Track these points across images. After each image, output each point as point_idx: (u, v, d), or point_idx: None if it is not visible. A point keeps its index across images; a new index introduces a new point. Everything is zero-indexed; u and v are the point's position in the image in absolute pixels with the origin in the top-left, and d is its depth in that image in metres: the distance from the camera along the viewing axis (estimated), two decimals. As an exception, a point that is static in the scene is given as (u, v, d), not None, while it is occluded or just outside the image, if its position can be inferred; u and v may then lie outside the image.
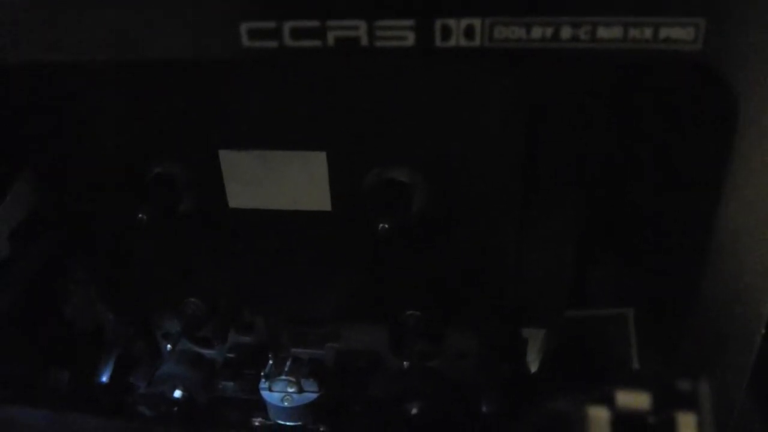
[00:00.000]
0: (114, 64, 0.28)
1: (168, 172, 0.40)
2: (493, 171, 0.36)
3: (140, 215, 0.38)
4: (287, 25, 0.25)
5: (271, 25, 0.25)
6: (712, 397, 0.25)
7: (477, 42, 0.24)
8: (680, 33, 0.24)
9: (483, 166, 0.36)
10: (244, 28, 0.26)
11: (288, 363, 0.48)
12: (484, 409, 0.44)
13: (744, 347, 0.32)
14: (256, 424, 0.48)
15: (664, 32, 0.24)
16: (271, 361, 0.48)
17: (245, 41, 0.26)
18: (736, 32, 0.24)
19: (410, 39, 0.24)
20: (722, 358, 0.32)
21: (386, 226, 0.36)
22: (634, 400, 0.20)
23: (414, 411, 0.45)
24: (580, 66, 0.29)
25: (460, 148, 0.36)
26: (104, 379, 0.51)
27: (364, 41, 0.24)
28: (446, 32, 0.24)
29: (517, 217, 0.38)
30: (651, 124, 0.31)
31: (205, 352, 0.51)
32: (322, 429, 0.46)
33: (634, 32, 0.24)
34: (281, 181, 0.40)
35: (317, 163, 0.39)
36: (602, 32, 0.24)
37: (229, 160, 0.40)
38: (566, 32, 0.24)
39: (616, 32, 0.24)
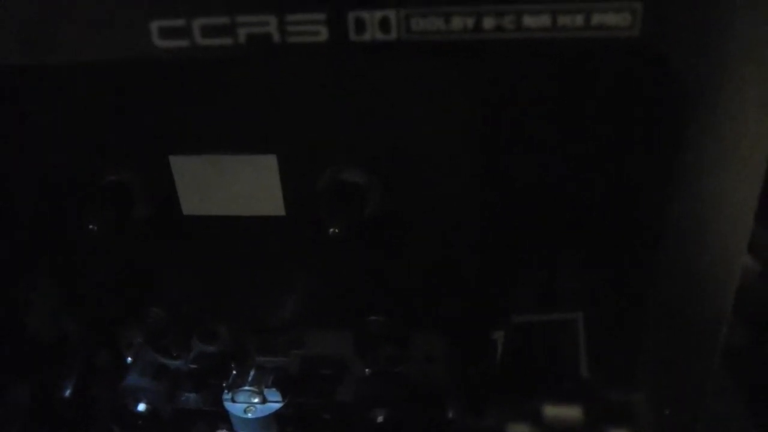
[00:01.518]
0: (25, 68, 0.26)
1: (118, 180, 0.39)
2: (448, 170, 0.35)
3: (90, 226, 0.36)
4: (197, 23, 0.23)
5: (180, 22, 0.23)
6: (673, 403, 0.24)
7: (394, 35, 0.22)
8: (615, 19, 0.22)
9: (438, 165, 0.35)
10: (154, 26, 0.24)
11: (251, 373, 0.46)
12: (451, 414, 0.43)
13: (706, 347, 0.30)
14: (221, 436, 0.47)
15: (596, 18, 0.22)
16: (234, 372, 0.47)
17: (156, 40, 0.24)
18: (675, 15, 0.23)
19: (323, 33, 0.22)
20: (683, 360, 0.30)
21: (336, 230, 0.35)
22: (565, 413, 0.18)
23: (380, 419, 0.43)
24: (525, 59, 0.27)
25: (414, 148, 0.35)
26: (66, 393, 0.49)
27: (276, 37, 0.23)
28: (360, 25, 0.22)
29: (476, 216, 0.37)
30: (599, 115, 0.29)
31: (169, 362, 0.49)
32: (286, 439, 0.45)
33: (563, 20, 0.22)
34: (233, 186, 0.39)
35: (268, 166, 0.38)
36: (528, 21, 0.22)
37: (180, 165, 0.38)
38: (489, 22, 0.22)
39: (543, 20, 0.22)
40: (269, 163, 0.38)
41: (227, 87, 0.35)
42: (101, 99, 0.37)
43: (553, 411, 0.19)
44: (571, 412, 0.19)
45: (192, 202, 0.40)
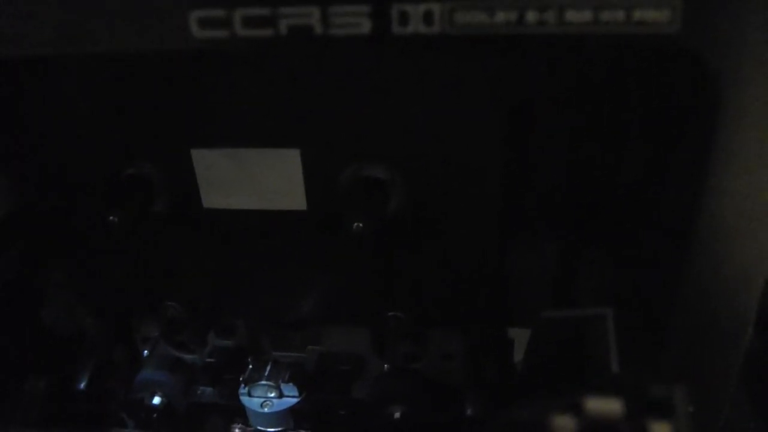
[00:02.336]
0: (63, 59, 0.26)
1: (139, 173, 0.39)
2: (472, 169, 0.35)
3: (111, 218, 0.36)
4: (238, 13, 0.23)
5: (220, 13, 0.24)
6: (696, 403, 0.24)
7: (437, 28, 0.22)
8: (655, 15, 0.23)
9: (462, 163, 0.35)
10: (193, 17, 0.24)
11: (268, 367, 0.46)
12: (468, 411, 0.43)
13: (730, 348, 0.30)
14: (236, 430, 0.47)
15: (638, 14, 0.23)
16: (250, 366, 0.47)
17: (196, 31, 0.24)
18: (714, 12, 0.23)
19: (366, 26, 0.22)
20: (708, 360, 0.30)
21: (360, 225, 0.35)
22: (605, 407, 0.18)
23: (397, 415, 0.43)
24: (559, 59, 0.27)
25: (439, 146, 0.35)
26: (82, 386, 0.49)
27: (318, 29, 0.23)
28: (404, 18, 0.22)
29: (499, 215, 0.37)
30: (631, 115, 0.29)
31: (185, 356, 0.49)
32: (303, 434, 0.45)
33: (605, 15, 0.22)
34: (255, 180, 0.38)
35: (291, 160, 0.38)
36: (571, 15, 0.22)
37: (202, 159, 0.38)
38: (532, 16, 0.22)
39: (585, 15, 0.22)
40: (292, 157, 0.38)
41: (254, 80, 0.34)
42: (126, 92, 0.37)
43: (594, 404, 0.19)
44: (612, 405, 0.19)
45: (213, 196, 0.40)
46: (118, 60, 0.31)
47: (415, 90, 0.32)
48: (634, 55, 0.26)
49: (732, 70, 0.24)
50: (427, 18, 0.22)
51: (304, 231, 0.40)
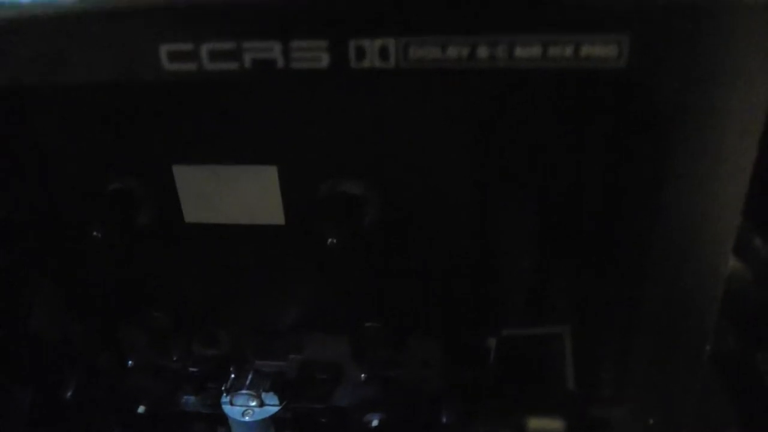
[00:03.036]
0: (38, 87, 0.27)
1: (123, 189, 0.40)
2: (442, 184, 0.36)
3: (95, 233, 0.37)
4: (205, 47, 0.25)
5: (189, 47, 0.25)
6: (657, 414, 0.25)
7: (392, 63, 0.23)
8: (603, 50, 0.24)
9: (433, 179, 0.36)
10: (163, 50, 0.25)
11: (249, 376, 0.47)
12: (444, 419, 0.44)
13: (690, 360, 0.31)
14: (219, 438, 0.48)
15: (585, 50, 0.24)
16: (232, 375, 0.48)
17: (166, 63, 0.25)
18: (660, 47, 0.24)
19: (325, 60, 0.24)
20: (668, 371, 0.31)
21: (334, 241, 0.36)
22: (547, 426, 0.19)
23: (374, 423, 0.44)
24: (518, 86, 0.28)
25: (410, 163, 0.36)
26: (68, 394, 0.50)
27: (280, 63, 0.24)
28: (360, 53, 0.23)
29: (469, 226, 0.38)
30: (588, 139, 0.30)
31: (169, 365, 0.50)
32: (284, 442, 0.46)
33: (553, 50, 0.24)
34: (234, 195, 0.40)
35: (268, 177, 0.39)
36: (520, 51, 0.23)
37: (183, 175, 0.39)
38: (483, 51, 0.23)
39: (534, 51, 0.23)
40: (270, 173, 0.39)
41: (230, 105, 0.36)
42: (110, 114, 0.38)
43: (536, 423, 0.20)
44: (553, 425, 0.20)
45: (194, 211, 0.41)
46: (103, 86, 0.32)
47: (382, 114, 0.33)
48: (584, 87, 0.27)
49: (679, 100, 0.25)
50: (383, 53, 0.23)
51: (282, 245, 0.41)
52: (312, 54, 0.24)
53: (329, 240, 0.35)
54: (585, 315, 0.32)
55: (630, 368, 0.31)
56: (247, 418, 0.47)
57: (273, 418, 0.48)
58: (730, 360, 0.57)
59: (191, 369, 0.50)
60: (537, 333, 0.28)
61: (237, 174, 0.39)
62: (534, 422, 0.20)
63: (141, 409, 0.49)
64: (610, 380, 0.31)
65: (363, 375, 0.45)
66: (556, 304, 0.35)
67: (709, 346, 0.32)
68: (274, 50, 0.24)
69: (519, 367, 0.28)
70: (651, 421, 0.28)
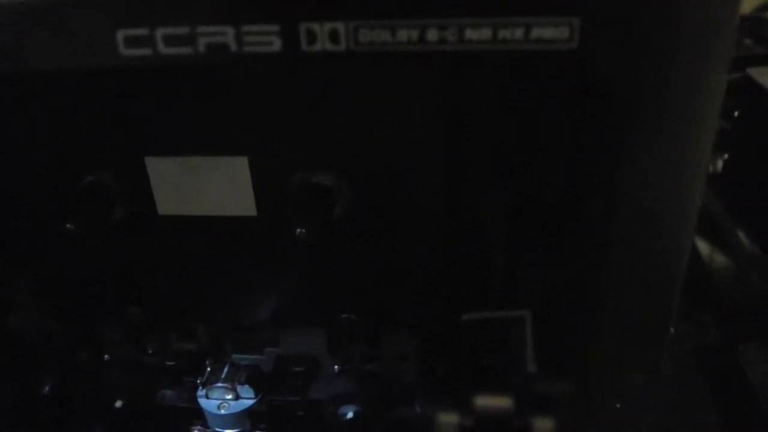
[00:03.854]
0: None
1: (95, 181, 0.40)
2: (409, 173, 0.36)
3: (69, 225, 0.37)
4: (160, 32, 0.25)
5: (144, 32, 0.25)
6: (622, 399, 0.25)
7: (343, 46, 0.23)
8: (554, 32, 0.24)
9: (400, 168, 0.36)
10: (120, 35, 0.25)
11: (225, 370, 0.47)
12: (417, 409, 0.44)
13: (653, 346, 0.31)
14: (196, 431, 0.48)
15: (536, 32, 0.24)
16: (208, 369, 0.48)
17: (122, 49, 0.26)
18: (612, 30, 0.24)
19: (277, 44, 0.24)
20: (631, 355, 0.32)
21: (303, 231, 0.36)
22: (495, 404, 0.19)
23: (349, 415, 0.44)
24: (469, 70, 0.29)
25: (381, 152, 0.36)
26: (46, 390, 0.50)
27: (233, 47, 0.24)
28: (311, 36, 0.24)
29: (443, 216, 0.38)
30: (541, 123, 0.30)
31: (147, 360, 0.50)
32: (259, 435, 0.46)
33: (504, 33, 0.24)
34: (206, 186, 0.40)
35: (239, 168, 0.39)
36: (470, 34, 0.24)
37: (156, 167, 0.40)
38: (432, 34, 0.23)
39: (484, 33, 0.24)
40: (240, 164, 0.39)
41: (198, 92, 0.36)
42: (78, 103, 0.38)
43: (484, 401, 0.20)
44: (501, 402, 0.21)
45: (168, 203, 0.41)
46: (66, 76, 0.32)
47: (343, 103, 0.33)
48: (535, 70, 0.27)
49: (631, 84, 0.25)
50: (333, 36, 0.23)
51: (255, 236, 0.41)
52: (264, 38, 0.24)
53: (298, 230, 0.35)
54: (547, 299, 0.32)
55: (592, 352, 0.31)
56: (222, 411, 0.47)
57: (248, 412, 0.48)
58: (712, 353, 0.57)
59: (168, 363, 0.50)
60: (498, 316, 0.28)
61: (208, 165, 0.39)
62: (481, 400, 0.20)
63: (118, 403, 0.49)
64: (572, 364, 0.31)
65: (336, 367, 0.45)
66: (520, 290, 0.35)
67: (672, 329, 0.32)
68: (226, 34, 0.24)
69: (479, 350, 0.28)
70: (618, 405, 0.28)
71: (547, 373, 0.26)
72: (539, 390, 0.21)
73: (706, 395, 0.54)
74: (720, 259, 0.70)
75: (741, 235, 0.66)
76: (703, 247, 0.70)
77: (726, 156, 0.73)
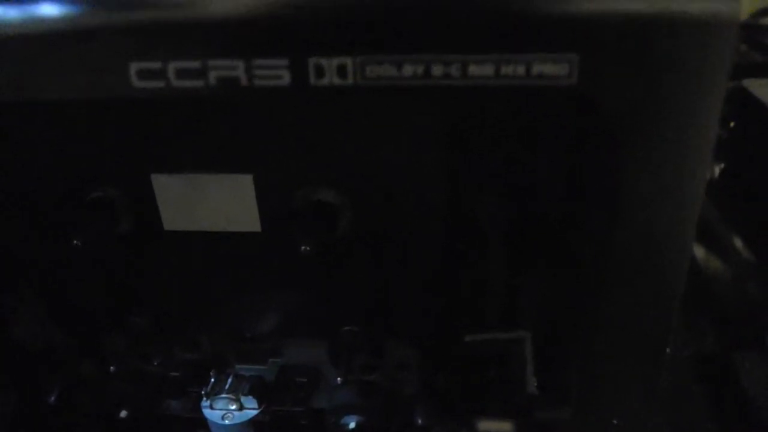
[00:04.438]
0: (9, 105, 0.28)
1: (102, 198, 0.41)
2: (410, 194, 0.37)
3: (75, 241, 0.38)
4: (172, 66, 0.25)
5: (157, 65, 0.26)
6: (620, 416, 0.26)
7: (350, 80, 0.24)
8: (554, 69, 0.25)
9: (402, 189, 0.37)
10: (133, 68, 0.26)
11: (229, 380, 0.48)
12: (419, 421, 0.45)
13: (651, 363, 0.32)
14: (199, 440, 0.49)
15: (536, 68, 0.25)
16: (212, 379, 0.48)
17: (135, 81, 0.26)
18: (610, 65, 0.25)
19: (286, 78, 0.24)
20: (630, 376, 0.32)
21: (308, 248, 0.37)
22: (497, 428, 0.20)
23: (351, 425, 0.45)
24: (472, 104, 0.29)
25: (383, 169, 0.37)
26: (51, 400, 0.51)
27: (244, 81, 0.25)
28: (319, 71, 0.24)
29: (444, 233, 0.39)
30: (543, 154, 0.31)
31: (151, 370, 0.51)
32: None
33: (506, 69, 0.25)
34: (212, 203, 0.41)
35: (244, 185, 0.39)
36: (473, 69, 0.24)
37: (161, 183, 0.40)
38: (437, 70, 0.24)
39: (487, 69, 0.24)
40: (245, 182, 0.40)
41: (205, 118, 0.37)
42: (89, 126, 0.38)
43: (486, 426, 0.21)
44: (502, 427, 0.21)
45: (173, 219, 0.42)
46: (79, 104, 0.33)
47: (348, 129, 0.34)
48: (537, 105, 0.28)
49: (628, 118, 0.26)
50: (341, 71, 0.24)
51: (259, 252, 0.42)
52: (274, 72, 0.25)
53: (303, 248, 0.36)
54: (547, 319, 0.33)
55: (592, 370, 0.32)
56: (227, 421, 0.48)
57: (252, 422, 0.48)
58: (709, 360, 0.58)
59: (172, 374, 0.50)
60: (500, 337, 0.29)
61: (214, 183, 0.40)
62: (484, 424, 0.21)
63: (123, 413, 0.50)
64: (572, 382, 0.32)
65: (339, 378, 0.45)
66: (519, 309, 0.36)
67: (669, 348, 0.33)
68: (237, 69, 0.25)
69: (480, 371, 0.29)
70: (615, 422, 0.29)
71: (547, 395, 0.26)
72: (539, 414, 0.22)
73: (703, 402, 0.55)
74: (716, 266, 0.70)
75: (737, 242, 0.66)
76: (699, 254, 0.71)
77: (722, 165, 0.73)
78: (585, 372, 0.32)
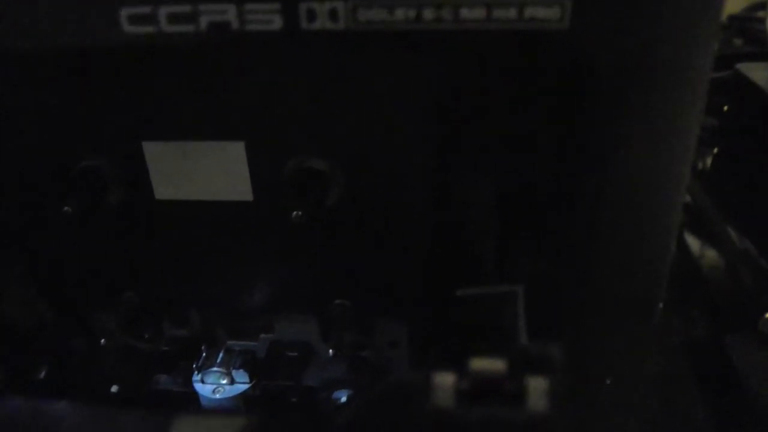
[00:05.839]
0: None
1: (92, 165, 0.40)
2: (405, 157, 0.37)
3: (66, 208, 0.38)
4: (163, 10, 0.25)
5: (147, 9, 0.25)
6: (612, 376, 0.26)
7: (342, 24, 0.24)
8: (546, 12, 0.25)
9: (396, 153, 0.37)
10: (124, 13, 0.26)
11: (220, 355, 0.48)
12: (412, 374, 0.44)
13: (642, 322, 0.32)
14: (190, 415, 0.48)
15: (528, 11, 0.25)
16: (204, 354, 0.48)
17: (126, 27, 0.26)
18: (603, 10, 0.25)
19: (277, 22, 0.24)
20: (621, 335, 0.32)
21: (299, 213, 0.37)
22: (489, 366, 0.20)
23: (342, 400, 0.45)
24: (464, 49, 0.29)
25: (376, 137, 0.37)
26: (41, 375, 0.51)
27: (235, 25, 0.25)
28: (311, 15, 0.24)
29: (435, 202, 0.39)
30: (532, 103, 0.31)
31: (141, 345, 0.51)
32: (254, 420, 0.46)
33: (498, 12, 0.24)
34: (203, 171, 0.40)
35: (236, 153, 0.39)
36: (465, 13, 0.24)
37: (152, 151, 0.40)
38: (429, 13, 0.24)
39: (479, 13, 0.24)
40: (237, 149, 0.40)
41: (196, 77, 0.36)
42: (79, 90, 0.38)
43: (479, 363, 0.21)
44: (495, 365, 0.21)
45: (164, 187, 0.42)
46: (66, 55, 0.32)
47: (341, 85, 0.34)
48: (528, 49, 0.28)
49: (620, 64, 0.26)
50: (333, 15, 0.24)
51: (251, 221, 0.42)
52: (265, 16, 0.25)
53: (294, 213, 0.36)
54: (538, 278, 0.33)
55: (582, 329, 0.32)
56: (217, 395, 0.48)
57: (243, 396, 0.48)
58: (701, 346, 0.58)
59: (163, 348, 0.50)
60: (491, 292, 0.29)
61: (205, 150, 0.39)
62: (476, 363, 0.21)
63: (113, 389, 0.50)
64: (564, 337, 0.31)
65: (330, 351, 0.45)
66: (511, 274, 0.36)
67: (661, 304, 0.33)
68: (228, 12, 0.25)
69: (474, 326, 0.29)
70: (608, 381, 0.29)
71: (538, 341, 0.26)
72: (532, 353, 0.22)
73: (695, 387, 0.55)
74: (709, 253, 0.70)
75: (730, 229, 0.66)
76: (692, 241, 0.71)
77: (715, 151, 0.74)
78: (577, 326, 0.32)
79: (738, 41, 0.95)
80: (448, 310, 0.39)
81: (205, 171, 0.41)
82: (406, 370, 0.22)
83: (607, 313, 0.31)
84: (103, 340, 0.50)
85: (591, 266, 0.31)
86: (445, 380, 0.20)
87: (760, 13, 0.93)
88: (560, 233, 0.34)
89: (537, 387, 0.20)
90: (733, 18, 0.94)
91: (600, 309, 0.31)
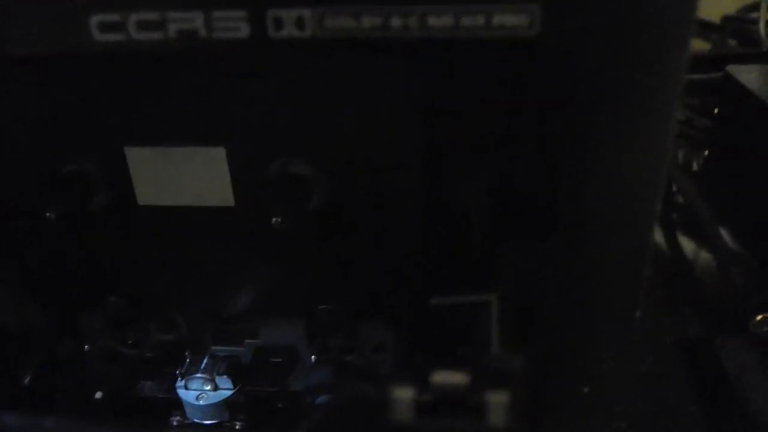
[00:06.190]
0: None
1: (76, 171, 0.40)
2: (384, 162, 0.37)
3: (48, 214, 0.38)
4: (132, 18, 0.25)
5: (116, 17, 0.25)
6: (589, 383, 0.26)
7: (308, 32, 0.24)
8: (514, 19, 0.24)
9: (375, 158, 0.37)
10: (94, 21, 0.26)
11: (204, 361, 0.48)
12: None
13: (620, 329, 0.32)
14: (174, 422, 0.48)
15: (497, 19, 0.24)
16: (188, 360, 0.48)
17: (96, 34, 0.26)
18: (573, 17, 0.25)
19: (245, 30, 0.24)
20: (598, 342, 0.32)
21: (279, 220, 0.36)
22: (451, 379, 0.20)
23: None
24: (432, 57, 0.29)
25: (353, 141, 0.36)
26: (27, 380, 0.50)
27: (203, 33, 0.25)
28: (278, 23, 0.24)
29: (422, 205, 0.39)
30: (503, 109, 0.31)
31: (126, 351, 0.51)
32: (237, 426, 0.46)
33: (466, 20, 0.24)
34: (186, 177, 0.40)
35: (217, 158, 0.39)
36: (433, 21, 0.24)
37: (135, 156, 0.40)
38: (396, 21, 0.24)
39: (447, 20, 0.24)
40: (218, 154, 0.40)
41: (176, 83, 0.36)
42: (58, 93, 0.38)
43: (441, 377, 0.21)
44: (457, 378, 0.21)
45: (147, 193, 0.42)
46: (44, 63, 0.32)
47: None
48: (497, 57, 0.28)
49: (589, 71, 0.26)
50: (299, 23, 0.24)
51: (234, 227, 0.42)
52: (232, 24, 0.25)
53: (274, 219, 0.36)
54: (519, 284, 0.33)
55: (559, 336, 0.31)
56: (201, 401, 0.47)
57: (227, 402, 0.48)
58: (692, 344, 0.58)
59: (147, 354, 0.50)
60: (466, 300, 0.29)
61: (187, 156, 0.39)
62: (438, 376, 0.21)
63: (98, 395, 0.49)
64: (539, 348, 0.31)
65: (313, 357, 0.45)
66: (496, 280, 0.36)
67: (639, 313, 0.33)
68: (196, 20, 0.25)
69: (447, 335, 0.29)
70: (585, 390, 0.29)
71: (504, 352, 0.26)
72: (495, 366, 0.21)
73: (686, 387, 0.55)
74: (700, 253, 0.70)
75: (721, 230, 0.66)
76: (684, 241, 0.71)
77: (706, 152, 0.73)
78: (552, 335, 0.32)
79: (732, 42, 0.94)
80: (423, 318, 0.38)
81: (187, 176, 0.41)
82: (362, 382, 0.22)
83: (586, 316, 0.31)
84: (87, 346, 0.50)
85: (569, 271, 0.30)
86: (404, 394, 0.20)
87: (755, 15, 0.93)
88: (543, 237, 0.33)
89: (497, 401, 0.20)
90: (727, 19, 0.93)
91: (579, 313, 0.31)
